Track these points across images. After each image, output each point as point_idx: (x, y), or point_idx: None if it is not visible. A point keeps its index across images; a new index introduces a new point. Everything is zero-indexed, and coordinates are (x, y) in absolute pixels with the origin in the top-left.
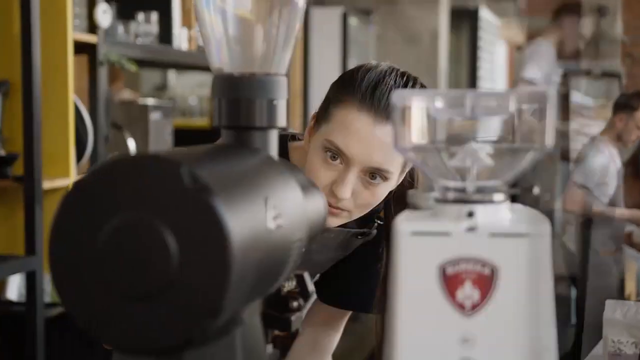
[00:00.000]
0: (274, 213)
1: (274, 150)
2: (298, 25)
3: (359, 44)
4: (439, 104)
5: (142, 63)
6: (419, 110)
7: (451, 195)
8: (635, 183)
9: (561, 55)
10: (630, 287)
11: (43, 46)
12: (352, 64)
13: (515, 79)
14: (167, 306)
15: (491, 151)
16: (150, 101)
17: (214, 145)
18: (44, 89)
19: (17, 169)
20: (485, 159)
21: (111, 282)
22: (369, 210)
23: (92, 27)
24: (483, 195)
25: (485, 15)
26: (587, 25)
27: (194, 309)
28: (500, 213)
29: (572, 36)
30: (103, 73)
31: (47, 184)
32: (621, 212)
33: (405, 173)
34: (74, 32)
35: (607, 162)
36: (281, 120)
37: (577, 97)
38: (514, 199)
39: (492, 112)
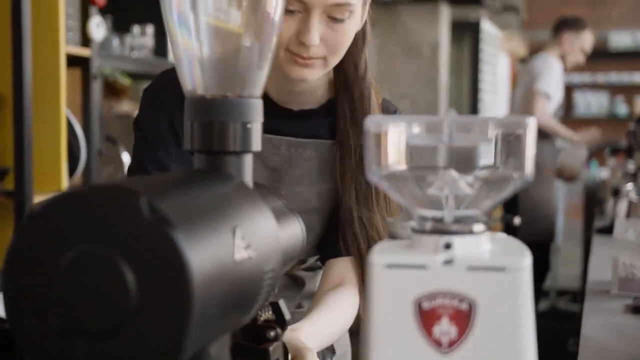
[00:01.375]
0: (243, 244)
1: (248, 175)
2: (273, 45)
3: None
4: (416, 129)
5: (139, 75)
6: (394, 136)
7: (428, 225)
8: None
9: (564, 69)
10: None
11: (35, 59)
12: None
13: (524, 91)
14: (125, 344)
15: (470, 180)
16: None
17: (184, 171)
18: (35, 102)
19: (8, 183)
20: (464, 188)
21: (67, 317)
22: (343, 53)
23: (86, 41)
24: (462, 226)
25: (487, 27)
26: (588, 39)
27: (154, 348)
28: (479, 245)
29: (572, 51)
30: (96, 87)
31: (38, 199)
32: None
33: (367, 5)
34: (67, 46)
35: (560, 75)
36: (256, 145)
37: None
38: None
39: (471, 138)
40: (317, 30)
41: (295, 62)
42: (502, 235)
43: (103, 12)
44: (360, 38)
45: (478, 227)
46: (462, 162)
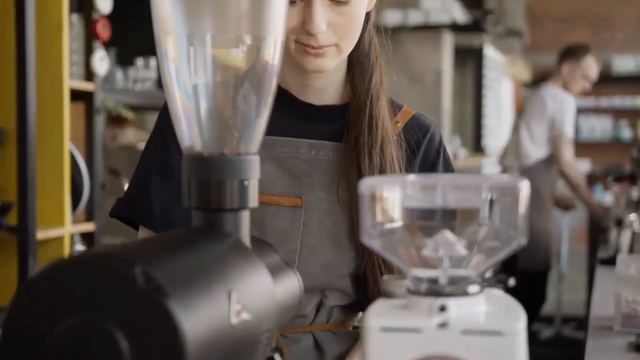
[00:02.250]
0: (239, 306)
1: (245, 230)
2: (270, 102)
3: None
4: (410, 191)
5: (143, 108)
6: (388, 198)
7: (423, 287)
8: None
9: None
10: None
11: (39, 94)
12: None
13: (543, 127)
14: None
15: (465, 241)
16: None
17: (180, 232)
18: (39, 137)
19: (11, 218)
20: (459, 249)
21: None
22: (356, 37)
23: (90, 75)
24: (456, 287)
25: (490, 53)
26: (590, 66)
27: None
28: (474, 306)
29: (573, 80)
30: (100, 120)
31: (41, 234)
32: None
33: None
34: (71, 80)
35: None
36: (253, 201)
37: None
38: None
39: (464, 201)
40: (321, 17)
41: (307, 52)
42: (498, 293)
43: (107, 45)
44: (364, 18)
45: (473, 288)
46: (458, 222)
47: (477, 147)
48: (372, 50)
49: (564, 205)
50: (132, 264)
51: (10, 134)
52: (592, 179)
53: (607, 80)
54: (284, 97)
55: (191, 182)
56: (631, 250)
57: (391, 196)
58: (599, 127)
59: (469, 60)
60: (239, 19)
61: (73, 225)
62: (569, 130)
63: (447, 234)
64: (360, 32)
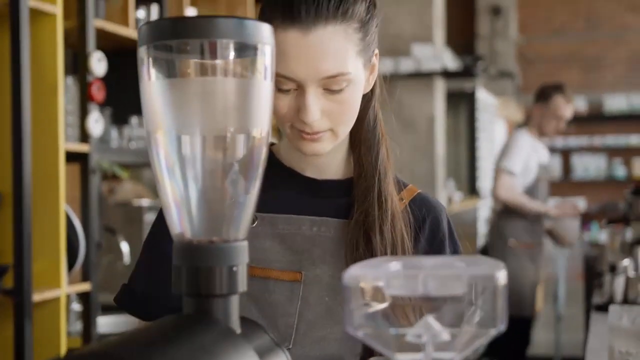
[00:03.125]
0: None
1: (234, 315)
2: (257, 189)
3: None
4: (392, 282)
5: (138, 165)
6: (372, 287)
7: None
8: None
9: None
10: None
11: (35, 156)
12: None
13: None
14: None
15: (448, 326)
16: (145, 202)
17: (170, 320)
18: (35, 199)
19: (7, 281)
20: (442, 334)
21: None
22: (352, 121)
23: (85, 136)
24: None
25: (482, 95)
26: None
27: None
28: None
29: (544, 121)
30: (95, 181)
31: (37, 296)
32: (552, 209)
33: (374, 65)
34: (66, 142)
35: (528, 151)
36: (242, 285)
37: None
38: None
39: (444, 291)
40: (315, 106)
41: (302, 137)
42: None
43: (102, 105)
44: (367, 96)
45: None
46: (440, 308)
47: (472, 189)
48: (377, 126)
49: (560, 243)
50: None
51: (7, 197)
52: (587, 218)
53: (600, 119)
54: (287, 174)
55: (181, 269)
56: (625, 296)
57: (374, 285)
58: (593, 166)
59: (462, 103)
60: (226, 114)
61: (69, 286)
62: (509, 164)
63: (430, 320)
64: (356, 116)
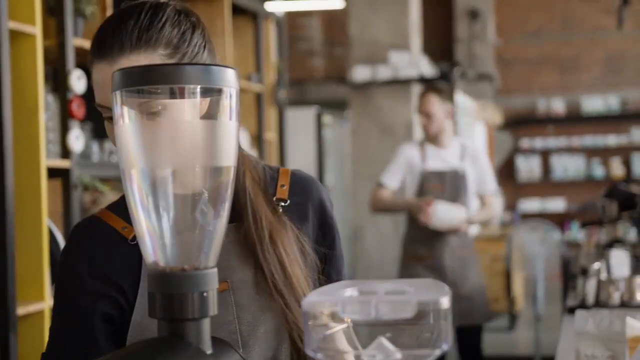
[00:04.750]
0: None
1: (206, 337)
2: (225, 218)
3: (334, 140)
4: (347, 307)
5: (119, 179)
6: (328, 313)
7: None
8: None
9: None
10: None
11: (17, 173)
12: (328, 160)
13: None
14: None
15: (399, 347)
16: None
17: (145, 344)
18: (18, 215)
19: None
20: (394, 354)
21: None
22: None
23: (66, 152)
24: None
25: (461, 100)
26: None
27: None
28: None
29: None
30: (77, 196)
31: (21, 310)
32: (401, 200)
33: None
34: (48, 159)
35: (404, 161)
36: (212, 309)
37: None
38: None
39: (395, 315)
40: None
41: None
42: None
43: (82, 121)
44: None
45: None
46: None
47: None
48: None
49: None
50: None
51: None
52: (566, 217)
53: (578, 120)
54: None
55: (156, 296)
56: (597, 298)
57: (330, 311)
58: (573, 166)
59: None
60: (195, 151)
61: (52, 299)
62: (383, 175)
63: (383, 341)
64: None
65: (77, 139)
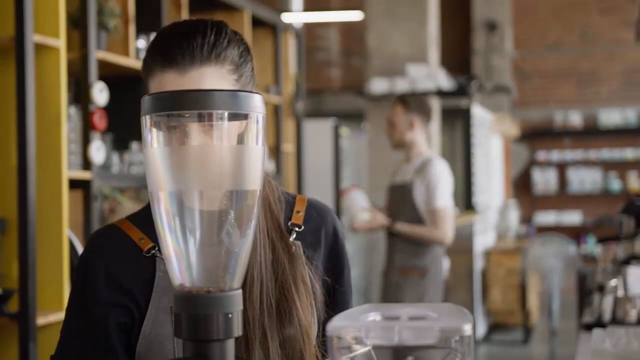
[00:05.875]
0: None
1: (230, 357)
2: (250, 240)
3: (351, 152)
4: (371, 333)
5: (138, 188)
6: (353, 337)
7: None
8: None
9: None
10: None
11: (39, 184)
12: (345, 172)
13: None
14: None
15: None
16: None
17: None
18: (39, 226)
19: (12, 305)
20: None
21: None
22: None
23: (87, 164)
24: None
25: (478, 112)
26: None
27: None
28: None
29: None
30: (97, 207)
31: (41, 320)
32: (401, 226)
33: None
34: (69, 170)
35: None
36: (237, 330)
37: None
38: None
39: (418, 341)
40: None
41: None
42: None
43: (104, 132)
44: None
45: None
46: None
47: (468, 205)
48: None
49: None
50: None
51: (12, 224)
52: (582, 231)
53: (595, 134)
54: None
55: (181, 317)
56: (614, 315)
57: (354, 336)
58: (589, 180)
59: (457, 120)
60: (221, 176)
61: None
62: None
63: None
64: None
65: (98, 150)
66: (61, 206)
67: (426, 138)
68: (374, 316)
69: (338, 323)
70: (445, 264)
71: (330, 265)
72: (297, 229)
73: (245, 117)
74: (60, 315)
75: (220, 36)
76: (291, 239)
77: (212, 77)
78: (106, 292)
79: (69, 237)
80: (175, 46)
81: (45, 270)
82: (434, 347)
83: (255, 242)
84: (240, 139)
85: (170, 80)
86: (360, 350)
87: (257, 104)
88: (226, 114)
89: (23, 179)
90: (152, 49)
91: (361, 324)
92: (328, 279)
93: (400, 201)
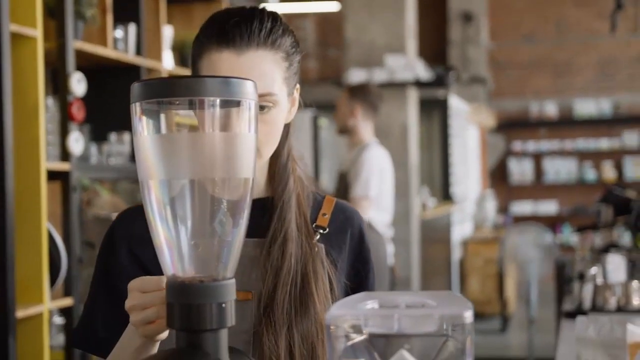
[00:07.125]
0: None
1: (223, 348)
2: (243, 229)
3: (330, 142)
4: (370, 321)
5: (117, 180)
6: (351, 326)
7: None
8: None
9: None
10: None
11: (17, 176)
12: (324, 162)
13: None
14: None
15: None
16: None
17: (163, 354)
18: (17, 217)
19: None
20: None
21: None
22: (274, 143)
23: (65, 155)
24: None
25: (455, 102)
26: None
27: None
28: None
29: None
30: (76, 198)
31: (20, 313)
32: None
33: (295, 98)
34: (48, 161)
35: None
36: (230, 320)
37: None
38: None
39: (417, 329)
40: None
41: None
42: None
43: (82, 123)
44: (286, 130)
45: None
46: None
47: (445, 195)
48: (289, 163)
49: None
50: None
51: None
52: (558, 220)
53: (570, 124)
54: None
55: (174, 306)
56: (593, 303)
57: (353, 324)
58: (565, 170)
59: (435, 111)
60: (213, 163)
61: (51, 301)
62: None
63: (405, 354)
64: (278, 140)
65: (76, 141)
66: (40, 198)
67: (371, 127)
68: (372, 304)
69: (336, 312)
70: (389, 249)
71: (355, 268)
72: (321, 231)
73: (237, 104)
74: (40, 308)
75: (276, 24)
76: (315, 240)
77: (268, 60)
78: (128, 267)
79: (49, 230)
80: (233, 26)
81: (25, 262)
82: (432, 334)
83: (291, 233)
84: (232, 126)
85: (225, 60)
86: (357, 338)
87: (249, 90)
88: (218, 101)
89: (1, 171)
90: (206, 29)
91: (360, 312)
92: (348, 283)
93: (341, 189)
